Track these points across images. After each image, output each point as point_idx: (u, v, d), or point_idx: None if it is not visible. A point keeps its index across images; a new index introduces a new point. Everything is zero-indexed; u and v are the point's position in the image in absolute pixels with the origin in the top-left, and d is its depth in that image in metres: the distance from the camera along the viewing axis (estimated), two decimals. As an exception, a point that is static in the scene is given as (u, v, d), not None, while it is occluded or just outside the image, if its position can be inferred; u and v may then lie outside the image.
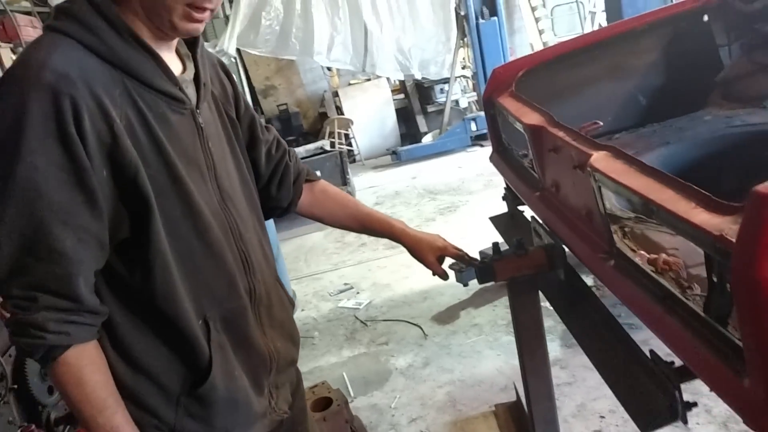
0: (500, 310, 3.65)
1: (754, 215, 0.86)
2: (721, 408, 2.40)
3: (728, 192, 1.22)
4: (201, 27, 1.10)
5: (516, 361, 3.09)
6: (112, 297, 1.08)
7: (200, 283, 1.13)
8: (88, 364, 1.04)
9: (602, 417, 2.62)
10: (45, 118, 0.95)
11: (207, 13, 1.08)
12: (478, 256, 4.09)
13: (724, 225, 0.96)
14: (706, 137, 2.06)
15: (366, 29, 7.58)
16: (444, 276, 1.61)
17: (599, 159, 1.39)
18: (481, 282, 1.69)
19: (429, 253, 1.60)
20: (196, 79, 1.19)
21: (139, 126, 1.05)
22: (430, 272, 1.65)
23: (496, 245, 1.69)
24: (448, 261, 4.21)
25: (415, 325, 3.72)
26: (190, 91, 1.16)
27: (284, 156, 1.47)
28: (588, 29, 8.35)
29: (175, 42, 1.15)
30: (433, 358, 3.33)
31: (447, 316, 3.73)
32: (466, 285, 3.79)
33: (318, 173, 1.60)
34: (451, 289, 3.91)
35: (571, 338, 3.12)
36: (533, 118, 1.84)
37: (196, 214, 1.11)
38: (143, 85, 1.06)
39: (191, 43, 1.20)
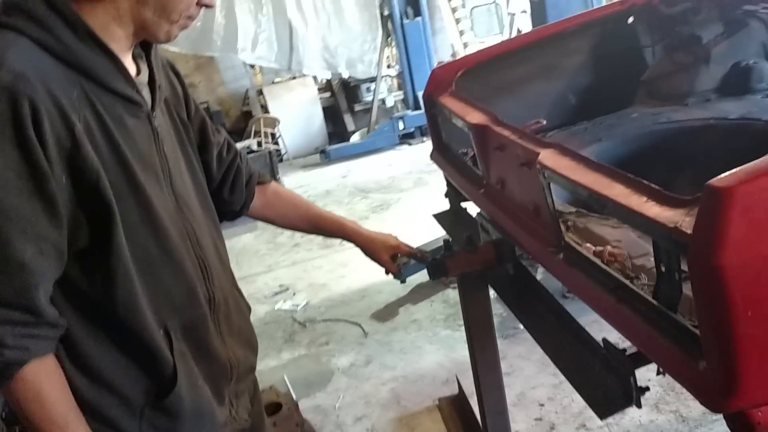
0: (437, 305, 3.72)
1: (710, 207, 0.92)
2: (652, 391, 2.54)
3: (658, 184, 1.29)
4: None
5: (456, 355, 3.16)
6: (70, 308, 1.04)
7: (160, 291, 1.11)
8: (46, 380, 0.99)
9: (542, 405, 2.71)
10: (2, 121, 0.91)
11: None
12: (414, 253, 4.10)
13: (678, 217, 1.02)
14: (635, 133, 2.16)
15: (291, 26, 7.51)
16: (399, 274, 1.63)
17: (547, 156, 1.44)
18: (433, 278, 1.72)
19: (383, 251, 1.61)
20: (151, 81, 1.16)
21: (97, 129, 1.01)
22: (384, 270, 1.66)
23: (447, 242, 1.71)
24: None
25: (354, 323, 3.72)
26: (145, 93, 1.13)
27: (235, 158, 1.44)
28: (507, 31, 8.60)
29: (132, 46, 1.11)
30: (374, 356, 3.34)
31: (386, 313, 3.76)
32: (403, 282, 3.87)
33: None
34: (389, 287, 3.95)
35: (507, 329, 3.21)
36: (477, 117, 1.88)
37: (155, 220, 1.09)
38: (101, 87, 1.02)
39: (145, 44, 1.16)
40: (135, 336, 1.07)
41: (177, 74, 1.32)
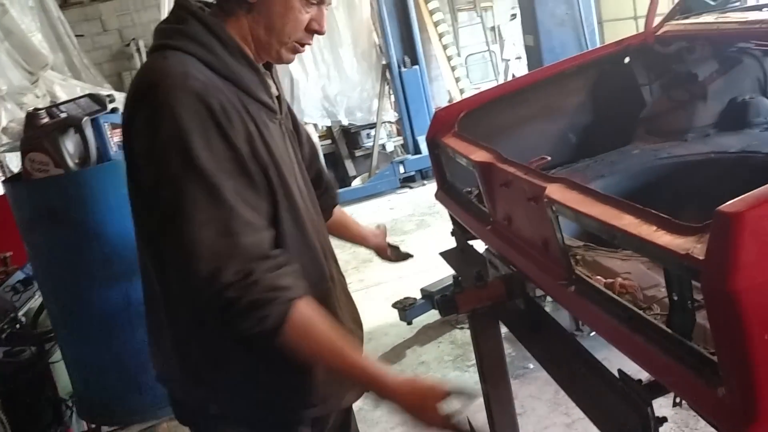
0: (445, 346, 3.69)
1: (721, 232, 0.94)
2: (666, 427, 2.50)
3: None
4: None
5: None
6: None
7: (302, 267, 1.23)
8: (313, 313, 1.15)
9: (555, 445, 2.67)
10: (201, 118, 1.08)
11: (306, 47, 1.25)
12: (419, 295, 4.10)
13: (688, 244, 1.03)
14: (637, 169, 2.20)
15: (292, 78, 7.67)
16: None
17: (555, 190, 1.47)
18: (443, 315, 1.72)
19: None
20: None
21: (254, 131, 1.18)
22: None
23: (456, 278, 1.73)
24: (391, 300, 4.19)
25: (361, 367, 3.69)
26: (276, 103, 1.30)
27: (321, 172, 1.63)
28: (502, 77, 8.76)
29: (262, 62, 1.28)
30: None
31: (393, 355, 3.73)
32: (410, 323, 3.86)
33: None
34: (395, 329, 3.92)
35: (516, 369, 3.18)
36: (481, 155, 1.92)
37: (295, 208, 1.25)
38: (250, 97, 1.19)
39: (268, 65, 1.33)
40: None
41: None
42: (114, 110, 2.37)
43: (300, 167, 1.35)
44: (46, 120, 2.11)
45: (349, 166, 8.94)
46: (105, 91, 4.31)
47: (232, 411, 1.28)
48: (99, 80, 7.04)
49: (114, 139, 2.29)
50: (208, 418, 1.30)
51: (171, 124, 1.08)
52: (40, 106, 2.32)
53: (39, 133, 2.01)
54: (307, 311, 1.14)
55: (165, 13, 1.36)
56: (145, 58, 1.29)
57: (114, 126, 2.31)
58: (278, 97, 1.33)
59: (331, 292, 1.35)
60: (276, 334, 1.11)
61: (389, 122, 8.94)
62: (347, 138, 9.09)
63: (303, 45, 1.24)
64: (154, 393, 2.30)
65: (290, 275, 1.14)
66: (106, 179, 2.22)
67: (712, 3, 2.30)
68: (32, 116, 2.12)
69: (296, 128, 1.47)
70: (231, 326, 1.12)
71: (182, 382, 1.31)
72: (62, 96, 5.23)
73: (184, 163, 1.07)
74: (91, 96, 2.38)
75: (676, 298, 1.13)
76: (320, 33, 1.24)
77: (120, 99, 2.31)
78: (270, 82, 1.32)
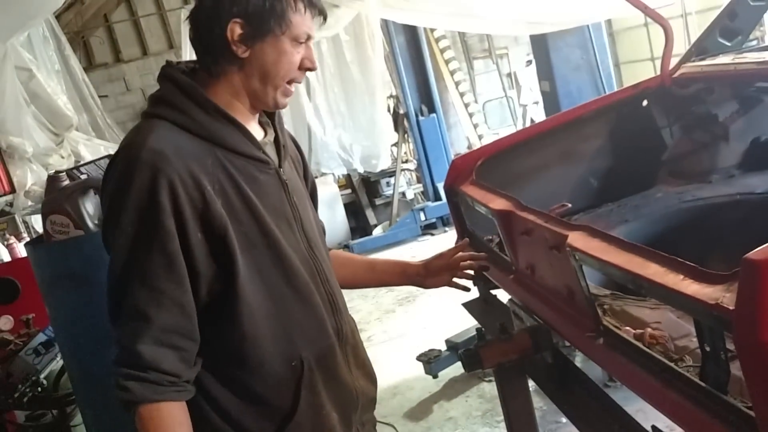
0: (473, 400, 3.59)
1: (750, 281, 0.90)
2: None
3: (691, 262, 1.27)
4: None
5: (497, 453, 3.01)
6: (202, 356, 1.18)
7: (293, 325, 1.24)
8: (160, 424, 1.12)
9: (591, 503, 2.55)
10: (140, 190, 1.10)
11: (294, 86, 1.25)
12: (444, 346, 4.01)
13: (717, 294, 0.99)
14: (662, 213, 2.16)
15: (310, 130, 7.80)
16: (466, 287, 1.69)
17: (577, 238, 1.43)
18: (468, 370, 1.67)
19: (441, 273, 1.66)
20: (276, 141, 1.32)
21: (230, 188, 1.18)
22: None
23: (480, 331, 1.68)
24: (416, 352, 4.11)
25: (387, 424, 3.59)
26: (272, 152, 1.30)
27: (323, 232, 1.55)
28: (520, 122, 8.80)
29: (256, 114, 1.30)
30: (410, 457, 3.21)
31: (420, 411, 3.63)
32: (435, 377, 3.77)
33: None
34: (421, 382, 3.83)
35: (548, 424, 3.08)
36: (500, 203, 1.90)
37: (285, 262, 1.23)
38: (231, 152, 1.20)
39: (270, 113, 1.34)
40: (260, 371, 1.20)
41: (297, 145, 1.48)
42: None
43: (304, 215, 1.32)
44: (66, 182, 2.15)
45: (370, 214, 8.95)
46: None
47: None
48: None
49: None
50: None
51: (115, 195, 1.14)
52: (61, 169, 2.36)
53: (59, 195, 2.04)
54: (150, 421, 1.11)
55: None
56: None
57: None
58: (281, 145, 1.33)
59: (333, 348, 1.30)
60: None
61: (409, 170, 9.00)
62: (367, 186, 9.15)
63: (291, 84, 1.25)
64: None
65: (138, 380, 1.11)
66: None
67: (728, 44, 2.28)
68: (53, 179, 2.16)
69: (306, 176, 1.46)
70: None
71: None
72: (87, 155, 5.36)
73: (114, 231, 1.13)
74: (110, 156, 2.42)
75: (708, 349, 1.08)
76: (312, 69, 1.25)
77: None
78: (270, 130, 1.33)
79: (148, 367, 1.10)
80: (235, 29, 1.18)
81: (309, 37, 1.24)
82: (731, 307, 0.93)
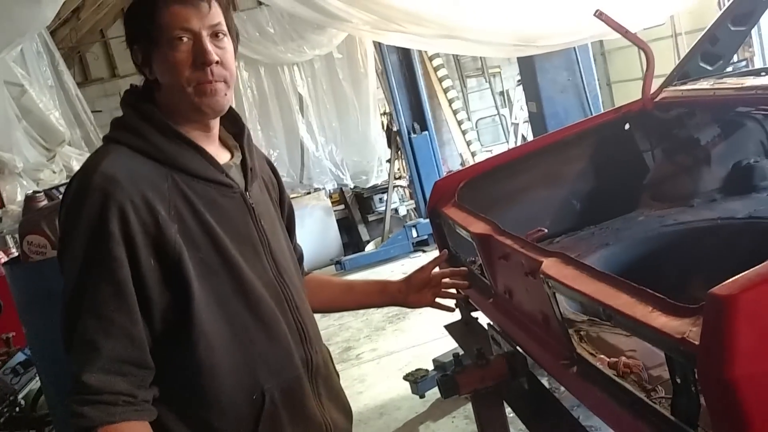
0: (459, 421, 3.56)
1: (714, 317, 0.89)
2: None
3: (670, 287, 1.26)
4: (222, 100, 1.19)
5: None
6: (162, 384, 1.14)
7: (255, 356, 1.19)
8: None
9: None
10: (89, 217, 1.08)
11: (219, 85, 1.16)
12: (431, 365, 3.98)
13: (684, 327, 0.98)
14: (643, 236, 2.15)
15: (302, 146, 7.84)
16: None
17: (550, 265, 1.42)
18: (445, 397, 1.65)
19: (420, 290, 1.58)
20: (243, 164, 1.27)
21: (188, 213, 1.14)
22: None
23: (456, 356, 1.67)
24: (404, 371, 4.08)
25: (372, 444, 3.56)
26: (238, 176, 1.25)
27: (301, 258, 1.54)
28: (512, 139, 8.84)
29: (216, 134, 1.25)
30: (394, 480, 3.17)
31: (405, 432, 3.60)
32: (422, 397, 3.74)
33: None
34: (408, 402, 3.80)
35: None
36: (480, 227, 1.89)
37: (247, 289, 1.18)
38: (190, 176, 1.16)
39: (237, 135, 1.30)
40: (218, 404, 1.15)
41: (273, 168, 1.44)
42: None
43: (273, 240, 1.27)
44: (44, 202, 2.13)
45: (363, 230, 8.95)
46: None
47: None
48: (115, 154, 7.20)
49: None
50: None
51: (67, 220, 1.13)
52: (39, 189, 2.35)
53: (37, 215, 2.03)
54: None
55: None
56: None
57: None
58: (249, 168, 1.27)
59: (300, 380, 1.25)
60: None
61: (401, 186, 9.01)
62: (360, 203, 9.16)
63: (204, 83, 1.15)
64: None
65: (92, 404, 1.07)
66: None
67: (710, 68, 2.29)
68: (30, 199, 2.15)
69: (282, 199, 1.41)
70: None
71: None
72: (78, 171, 5.31)
73: (65, 256, 1.12)
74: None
75: (678, 381, 1.07)
76: (207, 63, 1.14)
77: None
78: (237, 152, 1.28)
79: (100, 392, 1.07)
80: (137, 55, 1.19)
81: (189, 31, 1.14)
82: (696, 342, 0.92)
